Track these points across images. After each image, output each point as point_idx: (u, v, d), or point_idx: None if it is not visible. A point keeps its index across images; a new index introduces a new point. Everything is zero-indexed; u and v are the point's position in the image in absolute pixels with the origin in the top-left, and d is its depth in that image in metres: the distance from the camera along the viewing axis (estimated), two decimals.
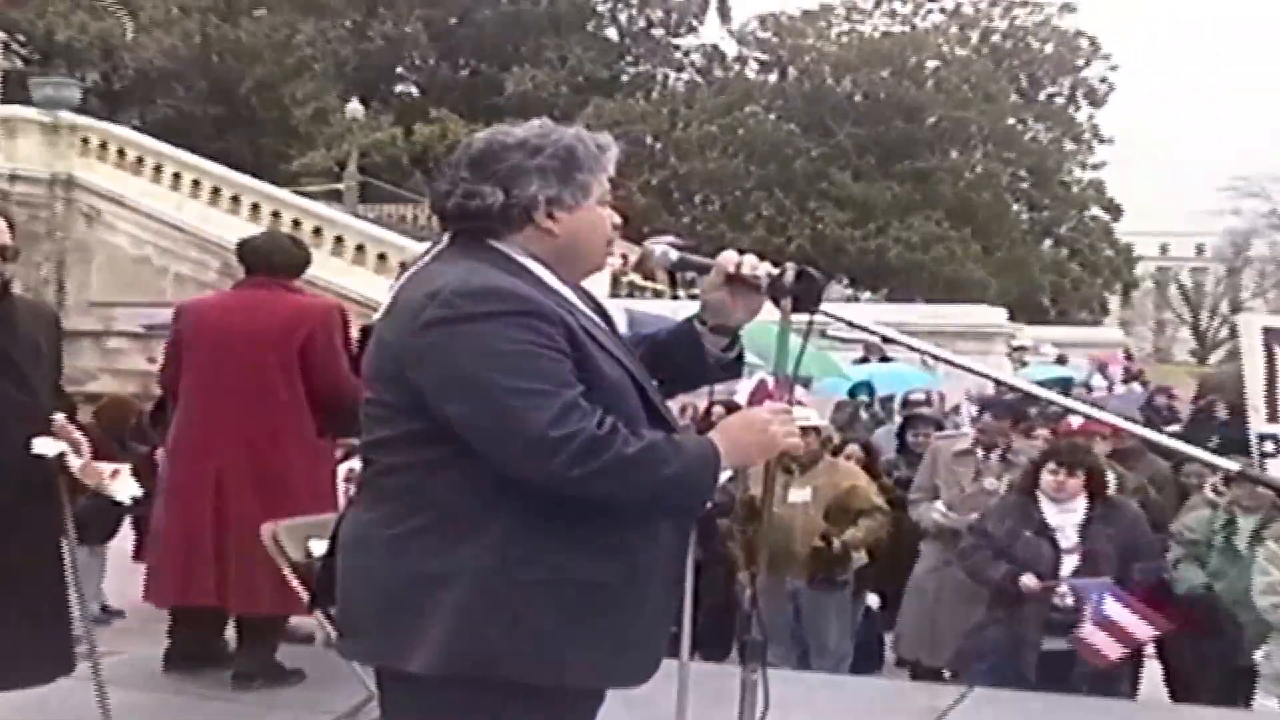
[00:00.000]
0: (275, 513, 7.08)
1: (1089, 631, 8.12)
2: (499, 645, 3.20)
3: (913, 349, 4.19)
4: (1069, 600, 8.20)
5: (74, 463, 5.33)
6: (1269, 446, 8.61)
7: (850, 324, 3.96)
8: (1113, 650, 8.14)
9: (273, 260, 7.96)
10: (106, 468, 5.59)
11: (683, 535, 3.47)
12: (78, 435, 5.41)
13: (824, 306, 3.62)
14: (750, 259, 3.60)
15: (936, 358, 4.24)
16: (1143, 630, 8.19)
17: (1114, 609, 8.12)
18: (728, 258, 3.61)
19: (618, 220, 3.55)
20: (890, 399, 19.09)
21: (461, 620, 3.19)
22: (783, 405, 3.53)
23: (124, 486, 5.80)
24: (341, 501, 7.96)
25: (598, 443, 3.13)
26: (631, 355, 3.45)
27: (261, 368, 7.61)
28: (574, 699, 3.36)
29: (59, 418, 5.41)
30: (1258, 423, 8.69)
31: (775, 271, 3.56)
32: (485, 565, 3.21)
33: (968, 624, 8.96)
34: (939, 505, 10.12)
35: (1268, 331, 8.83)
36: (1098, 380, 29.02)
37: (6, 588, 5.41)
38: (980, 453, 10.30)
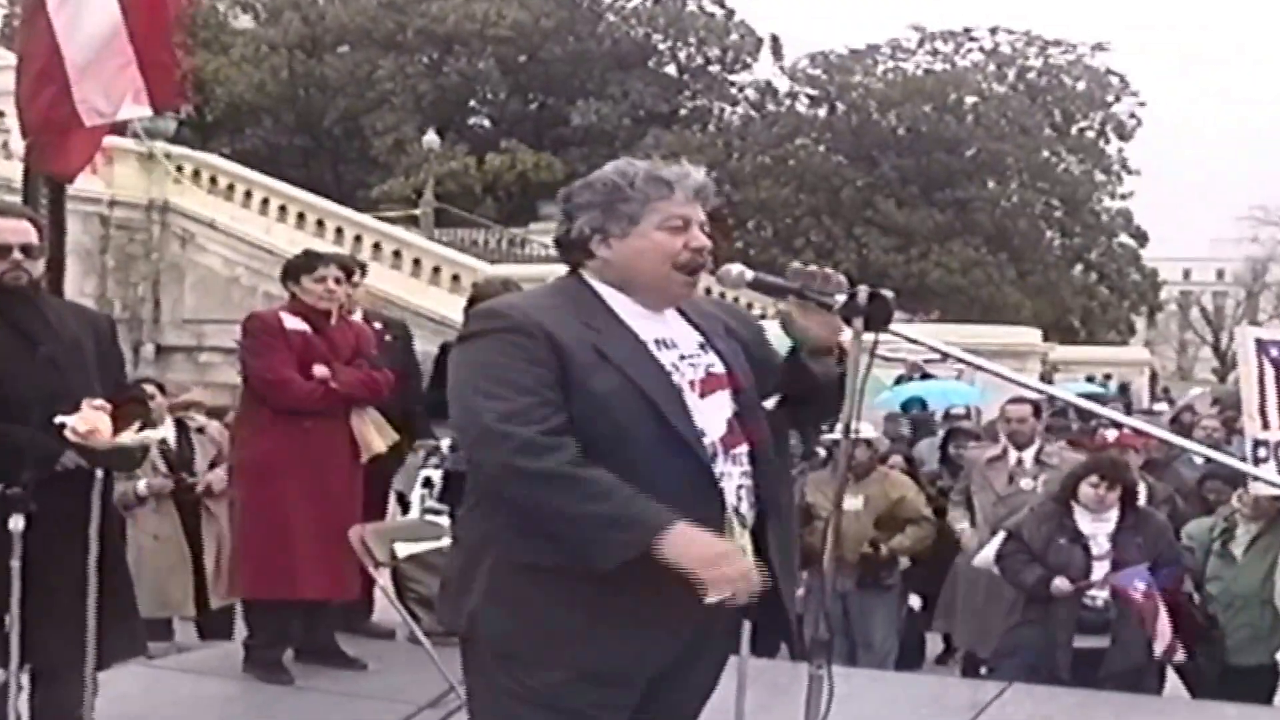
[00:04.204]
0: None
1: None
2: (489, 618, 3.45)
3: (979, 368, 4.13)
4: (1100, 601, 8.16)
5: (74, 421, 5.28)
6: (1262, 452, 8.56)
7: (913, 341, 3.89)
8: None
9: None
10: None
11: None
12: (99, 403, 5.40)
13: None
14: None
15: (1000, 376, 4.17)
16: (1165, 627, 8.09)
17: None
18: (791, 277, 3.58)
19: (699, 244, 3.53)
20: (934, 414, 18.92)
21: (482, 596, 3.46)
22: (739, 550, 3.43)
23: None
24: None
25: (532, 446, 3.28)
26: (661, 372, 3.45)
27: None
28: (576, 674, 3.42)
29: (95, 401, 5.42)
30: (1252, 429, 8.65)
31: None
32: (483, 547, 3.49)
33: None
34: (965, 526, 10.12)
35: (1260, 343, 8.79)
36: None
37: (76, 572, 5.41)
38: (1013, 455, 10.11)
